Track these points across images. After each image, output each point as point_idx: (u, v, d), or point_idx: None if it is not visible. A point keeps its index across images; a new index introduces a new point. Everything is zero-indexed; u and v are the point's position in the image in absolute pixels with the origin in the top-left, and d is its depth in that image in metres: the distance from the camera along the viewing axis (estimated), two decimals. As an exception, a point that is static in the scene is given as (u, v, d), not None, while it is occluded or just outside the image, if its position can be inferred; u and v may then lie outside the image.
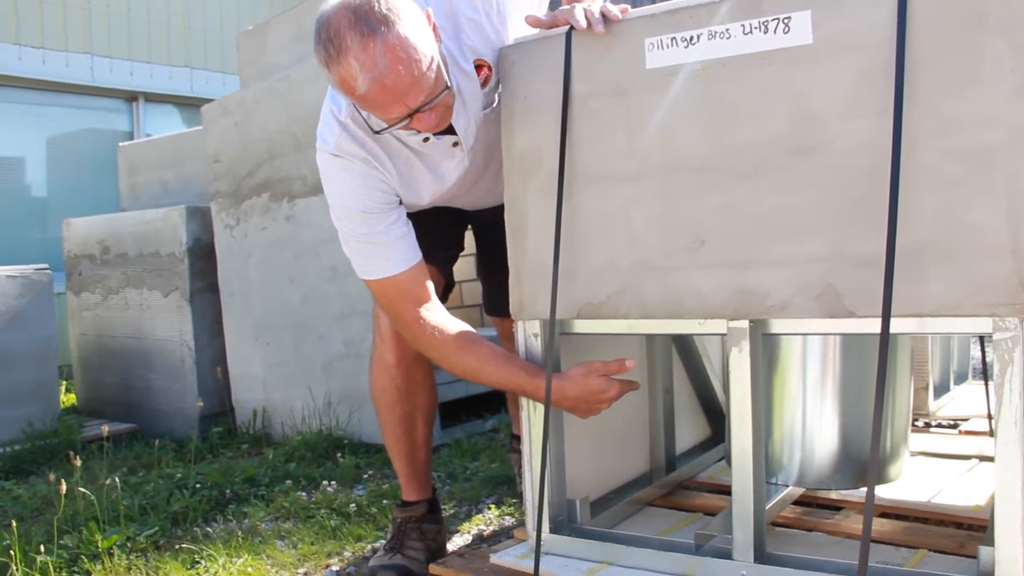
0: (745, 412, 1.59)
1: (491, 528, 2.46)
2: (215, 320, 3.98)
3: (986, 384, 2.78)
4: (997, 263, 1.35)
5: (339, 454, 3.30)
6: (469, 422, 3.66)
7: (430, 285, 1.91)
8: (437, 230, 2.08)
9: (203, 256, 3.96)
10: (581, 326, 1.79)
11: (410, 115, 1.64)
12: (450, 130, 1.84)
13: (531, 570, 1.72)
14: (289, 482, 2.97)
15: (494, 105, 1.92)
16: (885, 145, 1.39)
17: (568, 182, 1.71)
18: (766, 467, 1.91)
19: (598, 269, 1.71)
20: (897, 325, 1.41)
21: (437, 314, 1.89)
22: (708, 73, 1.56)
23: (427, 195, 1.97)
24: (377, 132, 1.76)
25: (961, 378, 3.57)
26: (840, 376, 1.87)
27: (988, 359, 2.96)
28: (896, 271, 1.36)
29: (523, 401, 1.86)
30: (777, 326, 1.57)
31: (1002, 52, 1.33)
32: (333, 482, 2.93)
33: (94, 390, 4.53)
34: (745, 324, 1.56)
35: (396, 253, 1.87)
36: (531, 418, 1.83)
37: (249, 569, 2.23)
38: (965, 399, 3.36)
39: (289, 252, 3.60)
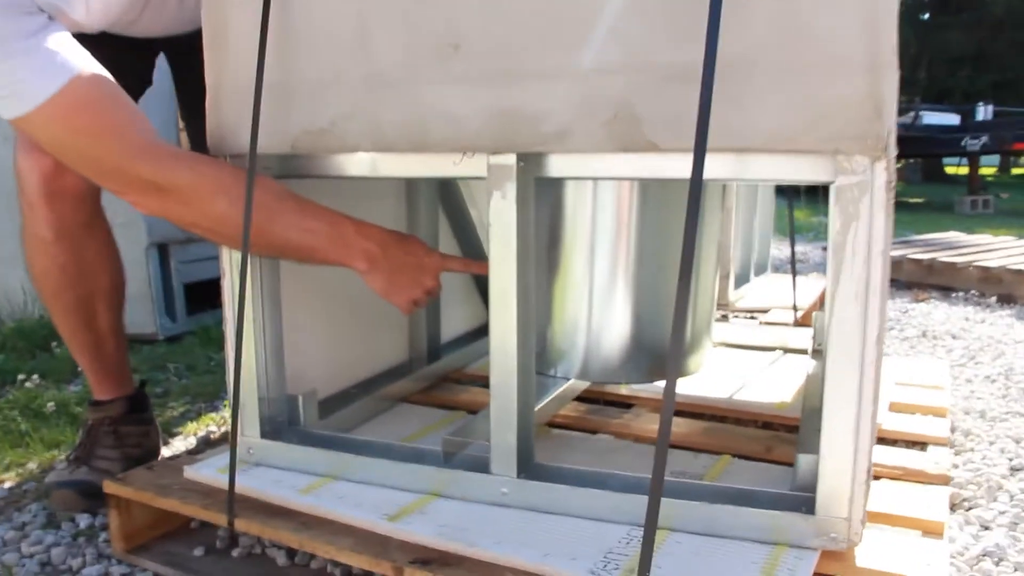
0: (508, 279, 1.18)
1: (223, 430, 2.02)
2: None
3: (793, 276, 2.56)
4: (846, 83, 0.98)
5: (56, 344, 2.74)
6: (220, 308, 3.12)
7: (133, 105, 1.30)
8: (116, 61, 1.35)
9: None
10: (297, 166, 1.33)
11: None
12: None
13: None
14: (-14, 376, 2.41)
15: None
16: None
17: (283, -38, 1.22)
18: (544, 356, 1.54)
19: (320, 87, 1.23)
20: (713, 165, 1.04)
21: (163, 145, 1.27)
22: None
23: (81, 4, 1.31)
24: None
25: (761, 269, 3.46)
26: (636, 248, 1.49)
27: (797, 252, 2.77)
28: (715, 89, 0.97)
29: (224, 263, 1.39)
30: (555, 166, 1.15)
31: None
32: (38, 376, 2.39)
33: None
34: (511, 160, 1.13)
35: (54, 59, 1.21)
36: (233, 285, 1.37)
37: None
38: (765, 290, 3.24)
39: None
